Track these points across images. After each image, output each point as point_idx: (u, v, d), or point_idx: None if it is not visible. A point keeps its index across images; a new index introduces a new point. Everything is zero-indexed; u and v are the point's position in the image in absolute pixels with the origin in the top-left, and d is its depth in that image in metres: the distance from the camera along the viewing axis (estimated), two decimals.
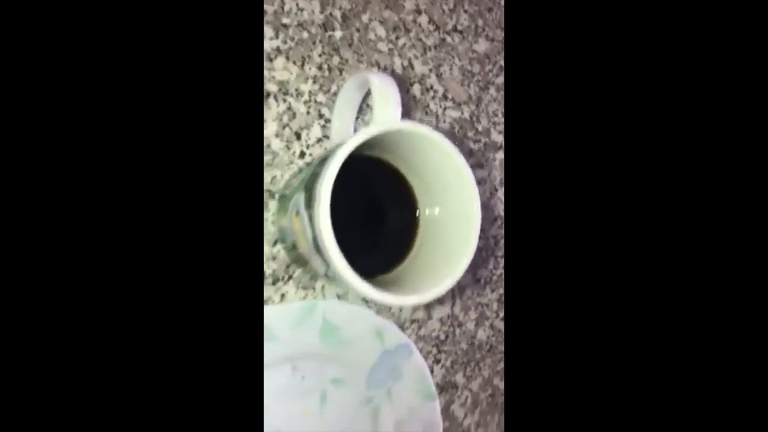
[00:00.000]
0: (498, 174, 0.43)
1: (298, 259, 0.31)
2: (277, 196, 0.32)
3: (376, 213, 0.29)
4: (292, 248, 0.29)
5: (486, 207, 0.42)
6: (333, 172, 0.22)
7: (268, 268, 0.32)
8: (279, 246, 0.32)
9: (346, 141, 0.23)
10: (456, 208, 0.26)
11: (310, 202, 0.24)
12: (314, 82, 0.34)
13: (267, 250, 0.32)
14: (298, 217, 0.26)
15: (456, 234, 0.25)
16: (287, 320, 0.31)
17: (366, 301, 0.35)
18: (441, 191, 0.27)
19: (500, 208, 0.43)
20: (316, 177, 0.24)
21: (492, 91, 0.43)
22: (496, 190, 0.43)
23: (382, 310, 0.36)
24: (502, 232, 0.43)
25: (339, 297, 0.34)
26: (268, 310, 0.31)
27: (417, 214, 0.28)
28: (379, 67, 0.37)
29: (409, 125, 0.24)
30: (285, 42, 0.34)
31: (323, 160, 0.25)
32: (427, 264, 0.26)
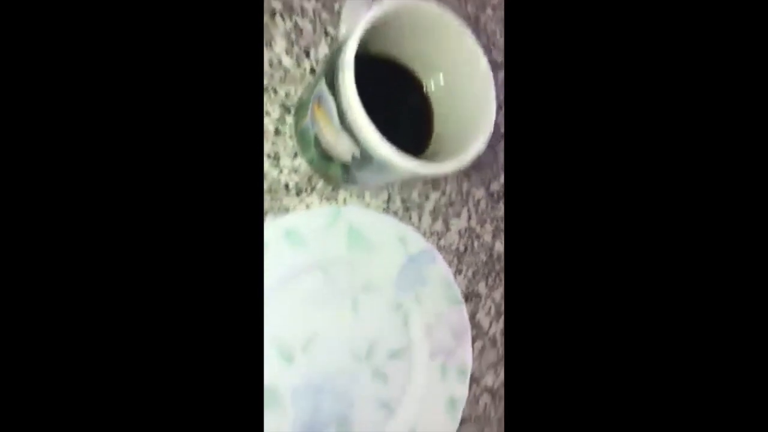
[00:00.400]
0: (500, 92, 0.44)
1: (320, 168, 0.32)
2: (293, 110, 0.33)
3: (386, 107, 0.29)
4: (316, 147, 0.29)
5: None
6: (355, 40, 0.23)
7: (291, 180, 0.33)
8: (300, 159, 0.33)
9: (364, 18, 0.24)
10: (465, 75, 0.27)
11: (333, 82, 0.24)
12: (317, 0, 0.35)
13: (288, 163, 0.33)
14: (321, 107, 0.27)
15: (472, 99, 0.26)
16: (313, 225, 0.32)
17: (386, 211, 0.36)
18: (443, 61, 0.27)
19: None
20: (336, 59, 0.24)
21: (488, 10, 0.44)
22: (501, 108, 0.44)
23: (403, 219, 0.37)
24: None
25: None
26: (294, 216, 0.31)
27: (425, 90, 0.29)
28: None
29: (421, 2, 0.25)
30: None
31: (338, 50, 0.25)
32: (453, 137, 0.27)
